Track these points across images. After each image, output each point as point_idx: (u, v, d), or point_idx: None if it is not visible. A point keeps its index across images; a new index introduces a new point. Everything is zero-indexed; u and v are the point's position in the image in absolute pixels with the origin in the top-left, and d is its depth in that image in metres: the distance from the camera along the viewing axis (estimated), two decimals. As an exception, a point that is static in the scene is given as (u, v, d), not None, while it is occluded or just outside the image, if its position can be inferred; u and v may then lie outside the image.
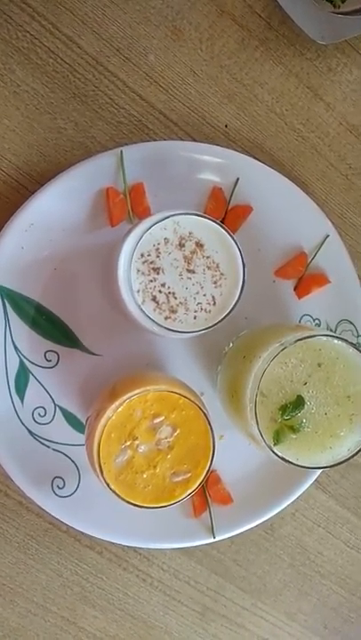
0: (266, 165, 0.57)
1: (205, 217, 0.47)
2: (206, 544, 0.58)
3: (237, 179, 0.56)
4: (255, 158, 0.57)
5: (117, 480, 0.45)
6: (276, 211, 0.57)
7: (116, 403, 0.45)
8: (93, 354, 0.55)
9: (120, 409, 0.45)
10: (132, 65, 0.56)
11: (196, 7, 0.56)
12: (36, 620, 0.59)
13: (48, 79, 0.54)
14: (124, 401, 0.45)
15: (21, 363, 0.54)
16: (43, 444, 0.55)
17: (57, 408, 0.55)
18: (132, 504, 0.45)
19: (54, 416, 0.55)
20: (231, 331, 0.56)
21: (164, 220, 0.46)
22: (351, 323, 0.59)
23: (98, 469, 0.45)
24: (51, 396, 0.55)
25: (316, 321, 0.59)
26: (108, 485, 0.45)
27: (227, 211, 0.57)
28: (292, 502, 0.58)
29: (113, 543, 0.58)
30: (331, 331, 0.59)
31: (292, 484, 0.58)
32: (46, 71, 0.54)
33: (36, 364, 0.55)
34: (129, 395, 0.45)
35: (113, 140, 0.56)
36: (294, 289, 0.58)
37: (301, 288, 0.59)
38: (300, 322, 0.59)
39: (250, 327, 0.57)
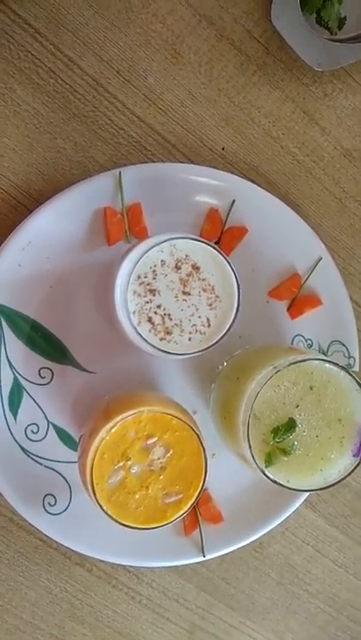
0: (261, 188, 0.58)
1: (202, 241, 0.48)
2: (196, 562, 0.58)
3: (233, 201, 0.57)
4: (251, 181, 0.58)
5: (110, 501, 0.46)
6: (270, 233, 0.58)
7: (110, 423, 0.45)
8: (87, 371, 0.56)
9: (114, 430, 0.45)
10: (131, 87, 0.56)
11: (196, 31, 0.57)
12: (25, 637, 0.59)
13: (48, 99, 0.55)
14: (118, 422, 0.45)
15: (15, 379, 0.54)
16: (35, 460, 0.55)
17: (50, 425, 0.55)
18: (123, 525, 0.46)
19: (47, 433, 0.55)
20: (225, 350, 0.57)
21: (161, 243, 0.46)
22: (343, 344, 0.60)
23: (90, 490, 0.45)
24: (44, 413, 0.55)
25: (309, 341, 0.60)
26: (100, 506, 0.45)
27: (222, 232, 0.57)
28: (281, 521, 0.59)
29: (103, 561, 0.58)
30: (322, 351, 0.60)
31: (283, 503, 0.58)
32: (47, 91, 0.55)
33: (30, 381, 0.55)
34: (123, 415, 0.45)
35: (111, 161, 0.56)
36: (287, 309, 0.59)
37: (294, 309, 0.59)
38: (292, 342, 0.60)
39: (243, 346, 0.58)
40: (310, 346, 0.60)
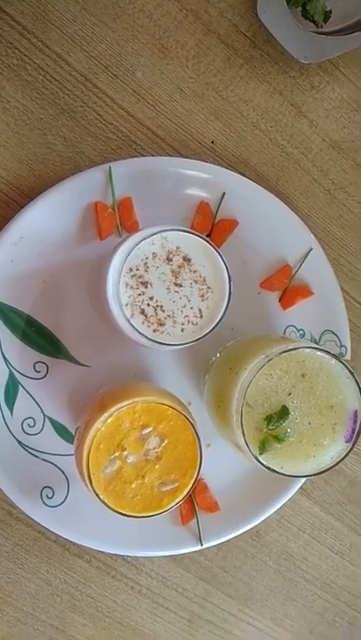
0: (251, 180, 0.58)
1: (192, 232, 0.48)
2: (194, 551, 0.59)
3: (223, 193, 0.57)
4: (241, 174, 0.59)
5: (106, 490, 0.46)
6: (261, 224, 0.58)
7: (105, 414, 0.46)
8: (82, 365, 0.56)
9: (109, 420, 0.46)
10: (120, 82, 0.57)
11: (183, 26, 0.57)
12: (26, 628, 0.60)
13: (37, 95, 0.55)
14: (113, 412, 0.46)
15: (11, 374, 0.55)
16: (32, 454, 0.55)
17: (46, 419, 0.56)
18: (120, 514, 0.46)
19: (43, 426, 0.56)
20: (218, 341, 0.58)
21: (152, 235, 0.47)
22: (334, 333, 0.61)
23: (87, 480, 0.46)
24: (40, 407, 0.56)
25: (301, 331, 0.61)
26: (97, 495, 0.46)
27: (213, 224, 0.58)
28: (277, 509, 0.59)
29: (102, 552, 0.58)
30: (315, 341, 0.60)
31: (278, 491, 0.59)
32: (36, 87, 0.55)
33: (26, 376, 0.55)
34: (118, 406, 0.46)
35: (101, 156, 0.57)
36: (279, 300, 0.60)
37: (286, 299, 0.60)
38: (284, 332, 0.60)
39: (236, 337, 0.58)
40: (303, 336, 0.60)
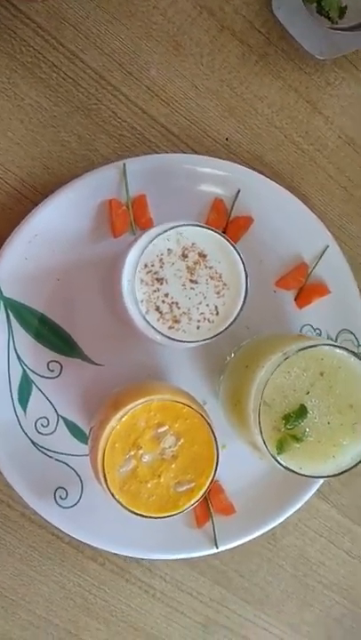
0: (266, 177, 0.57)
1: (209, 228, 0.47)
2: (209, 555, 0.57)
3: (238, 190, 0.57)
4: (256, 170, 0.58)
5: (122, 490, 0.45)
6: (276, 222, 0.58)
7: (120, 412, 0.45)
8: (96, 364, 0.56)
9: (124, 419, 0.45)
10: (134, 79, 0.56)
11: (197, 23, 0.57)
12: (39, 632, 0.59)
13: (51, 93, 0.55)
14: (128, 410, 0.45)
15: (24, 373, 0.54)
16: (45, 454, 0.55)
17: (60, 418, 0.55)
18: (136, 514, 0.45)
19: (57, 426, 0.55)
20: (233, 340, 0.57)
21: (167, 231, 0.46)
22: (351, 332, 0.60)
23: (102, 479, 0.45)
24: (53, 407, 0.55)
25: (317, 331, 0.60)
26: (112, 495, 0.45)
27: (228, 222, 0.57)
28: (294, 512, 0.58)
29: (115, 554, 0.57)
30: (331, 340, 0.59)
31: (295, 493, 0.58)
32: (50, 85, 0.55)
33: (39, 375, 0.55)
34: (133, 404, 0.45)
35: (115, 153, 0.56)
36: (295, 299, 0.59)
37: (302, 298, 0.59)
38: (300, 332, 0.59)
39: (251, 337, 0.58)
40: (319, 335, 0.59)
